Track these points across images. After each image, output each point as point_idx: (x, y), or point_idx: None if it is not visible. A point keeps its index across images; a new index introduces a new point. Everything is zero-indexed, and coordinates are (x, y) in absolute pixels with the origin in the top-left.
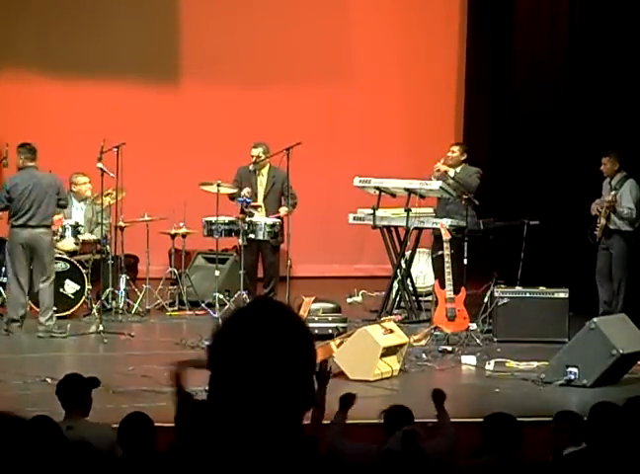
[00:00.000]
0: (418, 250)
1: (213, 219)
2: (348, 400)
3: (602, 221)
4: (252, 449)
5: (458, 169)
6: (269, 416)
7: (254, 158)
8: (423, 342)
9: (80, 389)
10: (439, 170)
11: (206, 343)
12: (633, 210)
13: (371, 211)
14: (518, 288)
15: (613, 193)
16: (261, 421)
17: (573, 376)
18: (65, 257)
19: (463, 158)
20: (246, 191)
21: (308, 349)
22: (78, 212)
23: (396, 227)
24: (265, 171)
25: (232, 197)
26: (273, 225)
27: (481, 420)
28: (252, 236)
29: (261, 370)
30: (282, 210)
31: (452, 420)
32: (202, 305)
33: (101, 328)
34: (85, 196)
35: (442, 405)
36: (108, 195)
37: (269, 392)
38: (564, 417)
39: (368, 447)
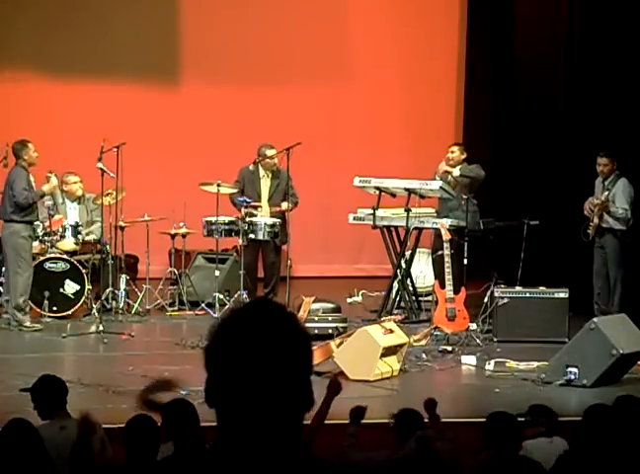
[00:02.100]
0: (418, 250)
1: (213, 219)
2: (359, 413)
3: (595, 220)
4: (249, 451)
5: (458, 167)
6: (266, 417)
7: (265, 158)
8: (423, 342)
9: (61, 389)
10: (444, 171)
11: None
12: (628, 211)
13: (371, 211)
14: (517, 288)
15: (606, 193)
16: (258, 422)
17: (573, 376)
18: (65, 257)
19: (463, 157)
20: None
21: (305, 349)
22: (72, 212)
23: (396, 227)
24: (269, 172)
25: (233, 201)
26: (273, 225)
27: (481, 420)
28: (252, 236)
29: (257, 371)
30: (283, 205)
31: (452, 420)
32: (202, 305)
33: (101, 328)
34: (77, 195)
35: (435, 412)
36: (108, 195)
37: (265, 393)
38: (539, 411)
39: (380, 456)
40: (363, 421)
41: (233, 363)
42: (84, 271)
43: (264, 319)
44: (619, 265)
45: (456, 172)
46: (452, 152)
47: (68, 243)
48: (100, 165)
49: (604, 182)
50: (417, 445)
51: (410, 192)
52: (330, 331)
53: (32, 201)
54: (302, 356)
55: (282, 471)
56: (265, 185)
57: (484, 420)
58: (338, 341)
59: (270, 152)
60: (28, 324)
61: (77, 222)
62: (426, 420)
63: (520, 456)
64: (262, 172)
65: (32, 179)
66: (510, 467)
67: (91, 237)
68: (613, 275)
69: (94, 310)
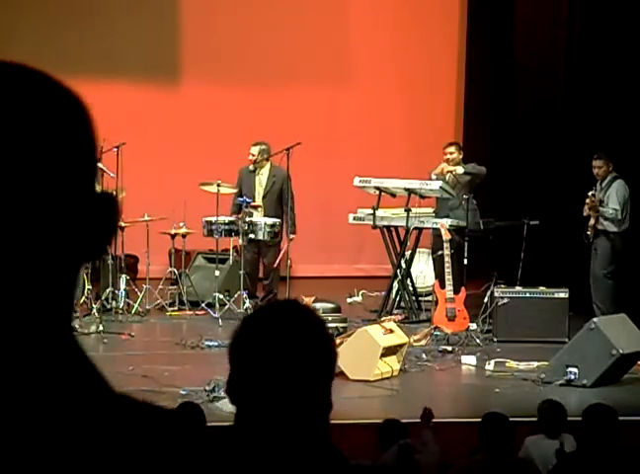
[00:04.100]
0: (418, 250)
1: (213, 219)
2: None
3: (592, 221)
4: (266, 449)
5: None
6: (285, 416)
7: (251, 156)
8: (423, 342)
9: None
10: (447, 171)
11: (211, 343)
12: (618, 211)
13: (371, 211)
14: (517, 288)
15: (591, 193)
16: (277, 420)
17: (573, 376)
18: None
19: (461, 156)
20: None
21: (329, 353)
22: None
23: (396, 227)
24: (265, 170)
25: (232, 208)
26: (273, 225)
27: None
28: (252, 236)
29: (279, 371)
30: (290, 237)
31: (452, 420)
32: (202, 305)
33: (101, 328)
34: None
35: (428, 424)
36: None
37: (286, 393)
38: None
39: (361, 465)
40: (363, 420)
41: (256, 361)
42: (84, 270)
43: (290, 319)
44: (606, 266)
45: (460, 170)
46: (451, 153)
47: None
48: (99, 165)
49: (601, 183)
50: (398, 453)
51: (410, 192)
52: (330, 331)
53: None
54: (326, 360)
55: (300, 469)
56: (259, 183)
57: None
58: (338, 341)
59: (251, 149)
60: None
61: None
62: (416, 420)
63: (515, 458)
64: (257, 170)
65: None
66: (504, 469)
67: None
68: (599, 275)
69: (94, 310)
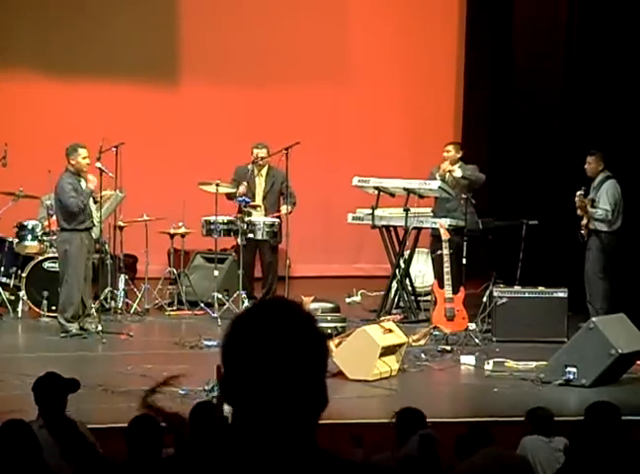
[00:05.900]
0: (417, 250)
1: (212, 219)
2: (359, 437)
3: (584, 221)
4: (263, 448)
5: (457, 166)
6: (280, 415)
7: (257, 158)
8: (422, 341)
9: (59, 390)
10: (445, 171)
11: (210, 342)
12: (608, 212)
13: (370, 211)
14: (516, 288)
15: (579, 192)
16: (272, 419)
17: (572, 376)
18: None
19: (459, 156)
20: (243, 187)
21: (321, 349)
22: None
23: (395, 227)
24: (264, 171)
25: (230, 196)
26: (271, 225)
27: (480, 419)
28: (251, 236)
29: (273, 369)
30: (283, 209)
31: (452, 420)
32: (201, 305)
33: (100, 328)
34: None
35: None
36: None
37: (280, 391)
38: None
39: (383, 458)
40: (362, 420)
41: (249, 361)
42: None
43: (280, 317)
44: (599, 266)
45: (458, 172)
46: (448, 151)
47: None
48: (99, 164)
49: (593, 182)
50: (420, 443)
51: (409, 191)
52: (329, 331)
53: (83, 205)
54: (318, 356)
55: (295, 469)
56: (259, 184)
57: (483, 420)
58: (337, 340)
59: (257, 151)
60: (74, 331)
61: None
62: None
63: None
64: (256, 171)
65: (83, 184)
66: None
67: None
68: (594, 275)
69: (93, 310)
